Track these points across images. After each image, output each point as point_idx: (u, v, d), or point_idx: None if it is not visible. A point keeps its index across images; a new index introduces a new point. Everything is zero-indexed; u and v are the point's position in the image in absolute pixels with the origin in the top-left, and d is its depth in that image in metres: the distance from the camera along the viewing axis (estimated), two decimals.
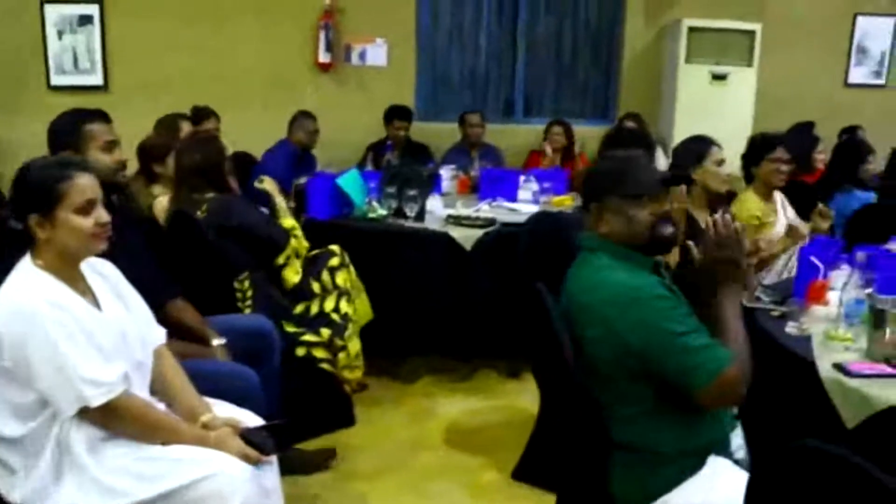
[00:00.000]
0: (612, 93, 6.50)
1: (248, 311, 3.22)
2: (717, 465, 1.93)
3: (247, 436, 2.05)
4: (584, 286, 2.00)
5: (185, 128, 4.02)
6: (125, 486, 1.89)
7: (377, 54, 6.15)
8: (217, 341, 2.77)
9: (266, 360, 2.97)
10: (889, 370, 2.09)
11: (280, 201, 3.57)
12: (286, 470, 2.98)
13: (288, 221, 3.48)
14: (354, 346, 3.41)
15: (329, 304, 3.42)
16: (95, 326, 1.93)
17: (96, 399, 1.85)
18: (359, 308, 3.62)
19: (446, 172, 5.14)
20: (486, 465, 3.15)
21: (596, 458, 1.96)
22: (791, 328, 2.43)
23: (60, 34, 5.99)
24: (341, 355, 3.35)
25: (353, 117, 6.07)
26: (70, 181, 1.92)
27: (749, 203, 3.58)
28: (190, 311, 2.83)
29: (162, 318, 2.65)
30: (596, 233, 2.02)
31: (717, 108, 5.99)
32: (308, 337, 3.29)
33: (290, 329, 3.29)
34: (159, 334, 2.24)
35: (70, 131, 2.54)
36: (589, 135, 5.91)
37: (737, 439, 2.20)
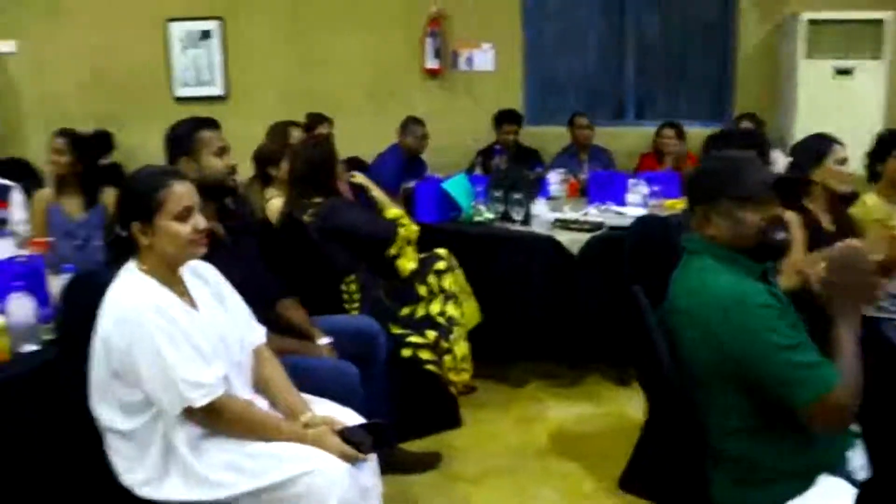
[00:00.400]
0: (727, 92, 6.27)
1: (354, 312, 3.29)
2: (829, 485, 1.82)
3: (345, 434, 2.08)
4: (685, 289, 1.94)
5: (296, 134, 4.15)
6: (228, 480, 1.96)
7: (484, 59, 6.17)
8: (323, 340, 2.83)
9: (372, 361, 3.03)
10: None
11: (377, 193, 3.63)
12: (390, 469, 3.07)
13: (392, 212, 3.54)
14: (461, 349, 3.43)
15: (435, 308, 3.45)
16: (195, 329, 2.00)
17: (199, 401, 1.92)
18: (466, 311, 3.63)
19: (555, 176, 5.09)
20: (590, 473, 3.10)
21: (695, 468, 1.90)
22: None
23: (184, 49, 6.30)
24: (447, 358, 3.37)
25: (462, 123, 6.11)
26: (168, 189, 2.00)
27: (867, 204, 3.39)
28: (298, 311, 2.92)
29: (271, 317, 2.79)
30: (701, 235, 1.95)
31: (841, 105, 5.67)
32: (414, 338, 3.33)
33: (396, 330, 3.34)
34: (259, 334, 2.30)
35: (186, 138, 2.66)
36: (703, 137, 5.71)
37: (858, 458, 2.09)
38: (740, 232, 1.87)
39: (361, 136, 5.61)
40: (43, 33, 6.26)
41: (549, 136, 6.10)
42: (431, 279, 3.52)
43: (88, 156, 3.95)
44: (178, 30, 6.28)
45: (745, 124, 5.69)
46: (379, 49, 6.18)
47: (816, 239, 2.98)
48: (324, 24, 6.17)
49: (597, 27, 6.33)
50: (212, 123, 2.73)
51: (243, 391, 2.13)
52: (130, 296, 1.97)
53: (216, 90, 6.32)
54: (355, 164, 5.48)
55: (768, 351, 1.73)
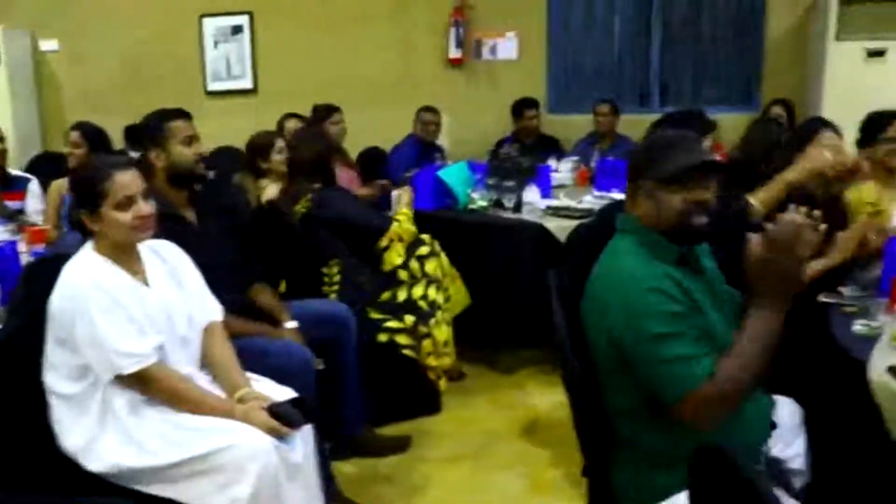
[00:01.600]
0: (756, 78, 6.10)
1: (333, 296, 3.36)
2: None
3: (274, 410, 2.14)
4: (598, 271, 1.93)
5: (291, 126, 4.22)
6: (155, 448, 2.06)
7: (508, 48, 6.16)
8: (290, 324, 2.91)
9: (343, 345, 3.11)
10: None
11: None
12: (360, 452, 3.15)
13: (404, 212, 3.65)
14: (442, 333, 3.45)
15: (417, 292, 3.49)
16: (137, 302, 2.13)
17: (127, 368, 2.06)
18: (454, 295, 3.66)
19: (566, 164, 5.07)
20: (560, 461, 3.10)
21: (598, 453, 1.90)
22: (860, 327, 2.22)
23: (216, 44, 6.49)
24: (426, 342, 3.40)
25: (485, 112, 6.12)
26: (110, 180, 2.12)
27: (863, 188, 3.28)
28: (267, 294, 3.00)
29: (244, 299, 2.89)
30: (630, 215, 1.93)
31: (874, 88, 5.38)
32: (391, 323, 3.38)
33: (375, 315, 3.39)
34: (212, 314, 2.39)
35: (156, 128, 2.77)
36: (732, 123, 5.58)
37: (794, 448, 2.06)
38: (661, 213, 1.84)
39: (384, 127, 5.70)
40: (83, 31, 6.52)
41: (573, 125, 6.05)
42: (414, 264, 3.55)
43: (102, 147, 4.12)
44: (210, 25, 6.46)
45: (776, 110, 5.56)
46: (402, 40, 6.24)
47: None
48: (348, 15, 6.25)
49: (622, 13, 6.24)
50: (181, 114, 2.83)
51: (186, 365, 2.25)
52: (77, 273, 2.12)
53: (246, 83, 6.48)
54: (376, 153, 5.60)
55: (640, 337, 1.71)
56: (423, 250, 3.60)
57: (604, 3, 6.25)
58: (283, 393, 2.30)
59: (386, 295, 3.46)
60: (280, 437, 2.11)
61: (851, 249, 2.73)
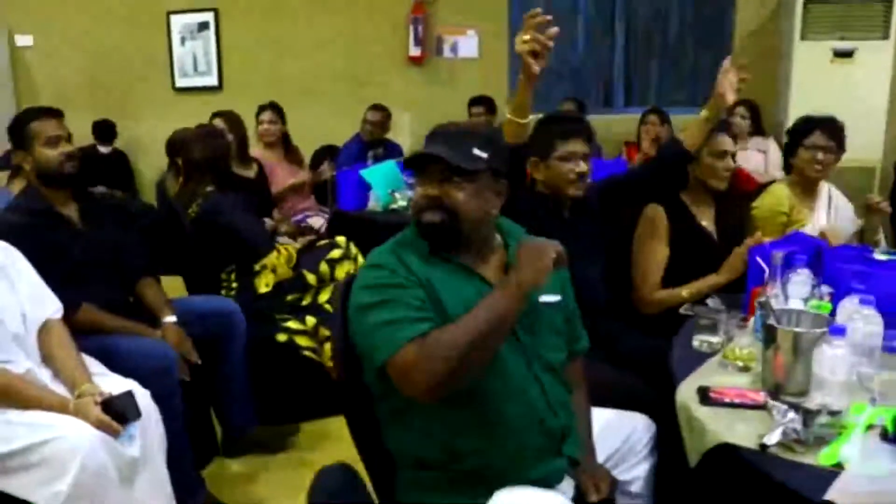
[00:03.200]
0: None
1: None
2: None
3: (108, 404, 2.12)
4: None
5: (219, 124, 4.19)
6: None
7: (469, 46, 6.10)
8: (168, 319, 2.87)
9: (228, 340, 3.07)
10: (750, 399, 1.74)
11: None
12: (250, 451, 3.11)
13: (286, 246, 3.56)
14: None
15: (324, 297, 3.45)
16: None
17: None
18: None
19: None
20: None
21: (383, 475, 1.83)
22: (697, 342, 2.13)
23: (183, 40, 6.51)
24: (328, 345, 3.35)
25: (446, 110, 5.97)
26: None
27: (777, 194, 3.16)
28: (152, 290, 2.95)
29: (130, 295, 2.88)
30: None
31: (840, 90, 5.29)
32: (291, 324, 3.33)
33: (276, 315, 3.35)
34: (50, 311, 2.38)
35: (17, 131, 2.72)
36: None
37: (639, 470, 2.00)
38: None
39: (341, 124, 5.67)
40: (55, 27, 6.58)
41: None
42: (323, 267, 3.51)
43: None
44: (178, 22, 6.49)
45: (741, 111, 5.44)
46: (363, 37, 6.22)
47: (689, 235, 2.83)
48: (309, 11, 6.26)
49: (585, 11, 6.15)
50: (46, 113, 2.76)
51: (24, 361, 2.24)
52: None
53: (212, 80, 6.49)
54: (329, 151, 5.57)
55: (354, 311, 1.66)
56: (336, 254, 3.56)
57: (567, 1, 6.16)
58: (126, 387, 2.27)
59: (291, 297, 3.42)
60: (113, 432, 2.09)
61: (739, 269, 2.64)
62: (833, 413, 1.60)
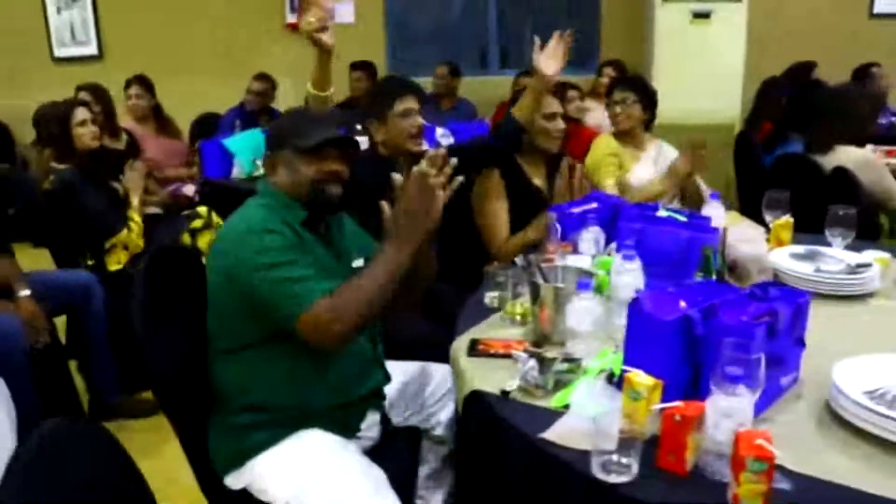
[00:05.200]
0: (593, 40, 6.20)
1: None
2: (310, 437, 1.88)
3: None
4: (225, 224, 1.99)
5: (85, 97, 4.17)
6: None
7: (345, 12, 6.15)
8: (23, 293, 2.94)
9: (86, 311, 3.17)
10: (512, 350, 1.86)
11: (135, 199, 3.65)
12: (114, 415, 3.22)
13: (136, 216, 3.56)
14: None
15: None
16: None
17: None
18: None
19: None
20: None
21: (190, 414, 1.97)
22: (489, 298, 2.25)
23: (59, 9, 6.40)
24: None
25: None
26: None
27: (601, 142, 3.47)
28: (5, 264, 3.02)
29: None
30: (267, 181, 1.99)
31: (699, 50, 5.56)
32: None
33: None
34: None
35: None
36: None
37: (443, 415, 2.18)
38: (296, 181, 1.92)
39: (219, 94, 5.70)
40: None
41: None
42: (185, 238, 3.60)
43: None
44: None
45: (608, 71, 5.67)
46: (240, 5, 6.21)
47: (524, 193, 3.01)
48: None
49: None
50: None
51: None
52: None
53: (91, 49, 6.41)
54: (208, 120, 5.60)
55: (258, 267, 1.77)
56: (197, 223, 3.63)
57: None
58: None
59: None
60: None
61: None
62: (571, 360, 1.78)
